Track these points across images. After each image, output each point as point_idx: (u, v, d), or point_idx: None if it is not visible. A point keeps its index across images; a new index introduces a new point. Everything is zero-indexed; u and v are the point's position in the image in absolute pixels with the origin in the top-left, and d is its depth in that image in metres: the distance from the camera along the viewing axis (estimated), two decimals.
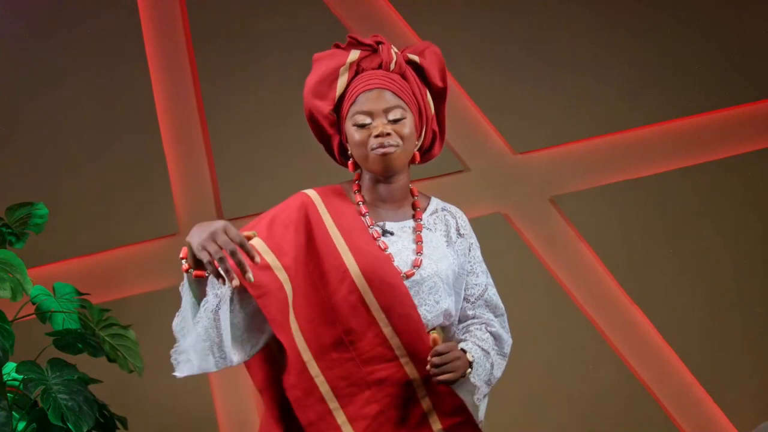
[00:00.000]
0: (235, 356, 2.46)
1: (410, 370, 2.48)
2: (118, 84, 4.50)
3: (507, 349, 2.69)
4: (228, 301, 2.42)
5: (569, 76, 4.45)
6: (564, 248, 4.41)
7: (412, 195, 2.66)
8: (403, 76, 2.59)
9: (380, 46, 2.59)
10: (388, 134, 2.53)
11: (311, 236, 2.52)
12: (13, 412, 3.44)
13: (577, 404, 4.41)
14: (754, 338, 4.40)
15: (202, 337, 2.48)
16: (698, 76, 4.42)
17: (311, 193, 2.60)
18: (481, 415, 2.62)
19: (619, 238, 4.45)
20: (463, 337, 2.63)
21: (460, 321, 2.66)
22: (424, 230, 2.61)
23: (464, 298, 2.66)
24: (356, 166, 2.61)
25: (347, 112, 2.56)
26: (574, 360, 4.42)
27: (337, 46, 2.61)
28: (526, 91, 4.46)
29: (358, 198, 2.61)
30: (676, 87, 4.43)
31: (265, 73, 4.48)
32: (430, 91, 2.63)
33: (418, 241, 2.58)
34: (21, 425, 3.45)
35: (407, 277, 2.53)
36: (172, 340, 4.40)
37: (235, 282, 2.28)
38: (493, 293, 2.69)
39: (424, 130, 2.62)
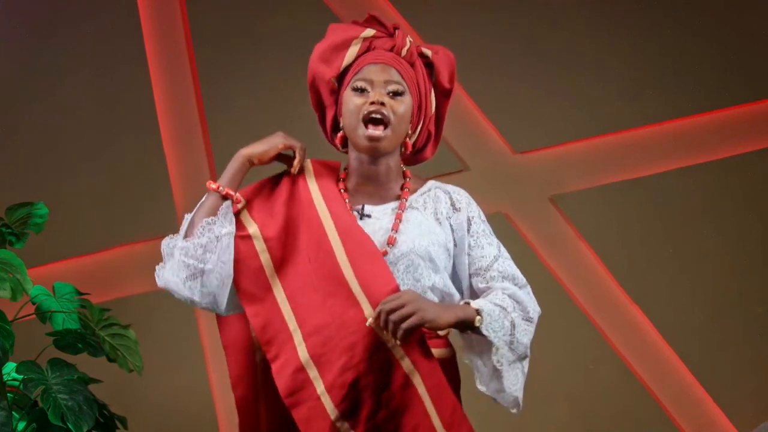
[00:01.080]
0: (224, 300, 2.50)
1: (381, 331, 2.38)
2: (118, 84, 4.50)
3: (533, 315, 2.53)
4: (232, 239, 2.48)
5: (569, 76, 4.45)
6: (564, 248, 4.40)
7: (404, 177, 2.62)
8: (412, 66, 2.58)
9: (396, 31, 2.59)
10: (383, 104, 2.51)
11: (298, 206, 2.53)
12: (13, 412, 3.44)
13: (577, 404, 4.41)
14: (754, 338, 4.40)
15: (193, 254, 2.49)
16: (698, 76, 4.42)
17: (306, 163, 2.61)
18: (514, 389, 2.49)
19: (619, 238, 4.45)
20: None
21: (475, 297, 2.56)
22: (408, 209, 2.56)
23: (474, 274, 2.57)
24: (344, 143, 2.60)
25: (349, 81, 2.56)
26: (574, 360, 4.42)
27: (355, 22, 2.61)
28: (526, 91, 4.46)
29: (341, 186, 2.59)
30: (676, 87, 4.43)
31: (265, 73, 4.48)
32: (435, 90, 2.61)
33: (397, 219, 2.54)
34: (21, 425, 3.45)
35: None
36: (172, 340, 4.41)
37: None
38: (507, 264, 2.59)
39: (420, 126, 2.60)
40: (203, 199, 2.54)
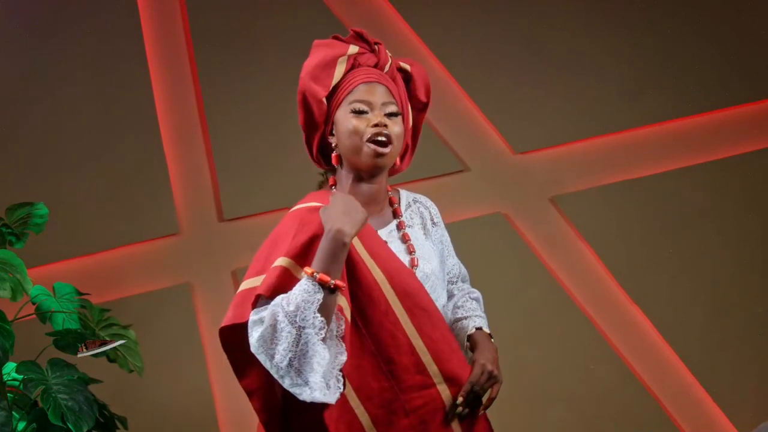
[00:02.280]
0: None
1: (446, 396, 2.50)
2: (118, 84, 4.50)
3: (483, 305, 2.77)
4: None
5: (569, 76, 4.45)
6: (564, 248, 4.41)
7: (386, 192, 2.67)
8: (394, 81, 2.62)
9: (378, 47, 2.61)
10: (386, 125, 2.53)
11: (353, 269, 2.47)
12: (13, 412, 3.44)
13: (577, 404, 4.41)
14: (754, 338, 4.40)
15: (332, 364, 2.37)
16: (698, 76, 4.42)
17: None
18: None
19: (619, 238, 4.45)
20: (459, 314, 2.67)
21: (448, 299, 2.71)
22: (406, 228, 2.62)
23: (449, 281, 2.72)
24: (339, 162, 2.59)
25: (342, 101, 2.57)
26: (574, 360, 4.42)
27: (336, 38, 2.62)
28: (526, 91, 4.46)
29: None
30: (676, 87, 4.43)
31: (265, 73, 4.48)
32: (411, 104, 2.65)
33: (407, 240, 2.59)
34: (21, 425, 3.45)
35: None
36: (172, 340, 4.41)
37: None
38: (460, 264, 2.76)
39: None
40: (320, 298, 2.31)
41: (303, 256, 2.38)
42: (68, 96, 4.50)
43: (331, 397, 2.32)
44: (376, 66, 2.60)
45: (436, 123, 4.38)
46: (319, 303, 2.31)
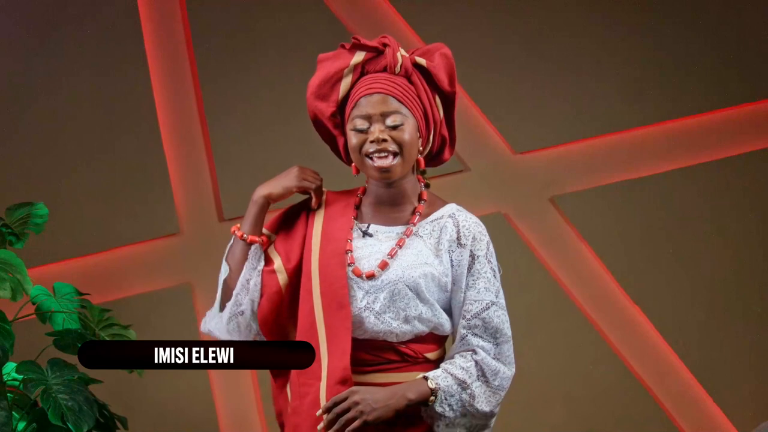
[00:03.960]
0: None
1: (323, 398, 2.45)
2: (118, 84, 4.50)
3: (501, 381, 2.53)
4: (259, 277, 2.55)
5: (569, 76, 4.45)
6: (564, 248, 4.40)
7: (420, 199, 2.59)
8: (410, 80, 2.52)
9: (386, 48, 2.53)
10: (385, 140, 2.48)
11: (306, 249, 2.56)
12: (13, 412, 3.44)
13: (577, 404, 4.41)
14: (754, 338, 4.40)
15: (231, 303, 2.59)
16: (698, 76, 4.42)
17: (323, 196, 2.63)
18: None
19: (619, 238, 4.45)
20: (442, 366, 2.51)
21: (453, 341, 2.56)
22: (412, 236, 2.53)
23: (462, 315, 2.52)
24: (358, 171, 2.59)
25: (349, 115, 2.53)
26: (574, 360, 4.42)
27: (343, 47, 2.56)
28: (526, 91, 4.46)
29: (356, 200, 2.60)
30: (676, 87, 4.43)
31: (265, 73, 4.48)
32: (438, 95, 2.56)
33: (398, 244, 2.52)
34: (21, 425, 3.45)
35: (367, 277, 2.48)
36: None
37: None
38: (496, 315, 2.52)
39: (431, 135, 2.56)
40: (231, 242, 2.58)
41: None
42: (68, 96, 4.50)
43: (221, 333, 2.60)
44: (385, 69, 2.52)
45: None
46: (233, 248, 2.57)
